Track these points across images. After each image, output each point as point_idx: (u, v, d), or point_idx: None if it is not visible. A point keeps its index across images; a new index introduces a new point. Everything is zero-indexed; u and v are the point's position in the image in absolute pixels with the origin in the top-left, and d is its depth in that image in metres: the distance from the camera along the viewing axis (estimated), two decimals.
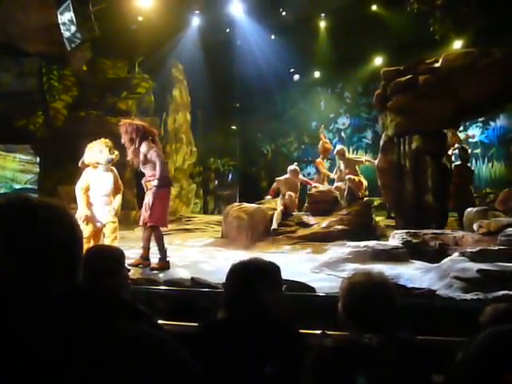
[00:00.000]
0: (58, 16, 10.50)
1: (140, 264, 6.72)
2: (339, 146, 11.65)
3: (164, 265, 6.73)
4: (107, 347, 0.97)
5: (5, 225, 1.06)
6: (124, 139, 6.84)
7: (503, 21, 9.61)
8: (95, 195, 6.89)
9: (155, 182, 6.60)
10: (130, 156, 6.88)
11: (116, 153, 7.09)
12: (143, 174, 7.02)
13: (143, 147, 6.71)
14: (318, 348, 2.01)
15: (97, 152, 6.97)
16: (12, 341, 0.95)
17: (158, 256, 6.81)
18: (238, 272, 2.13)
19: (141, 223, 6.87)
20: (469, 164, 11.83)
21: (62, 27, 10.55)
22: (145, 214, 6.69)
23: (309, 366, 1.95)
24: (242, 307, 2.02)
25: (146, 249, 6.86)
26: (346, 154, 11.19)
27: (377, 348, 1.85)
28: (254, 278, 2.09)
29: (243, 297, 2.04)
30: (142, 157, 6.74)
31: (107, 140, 7.09)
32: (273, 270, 2.19)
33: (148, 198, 6.69)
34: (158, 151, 6.74)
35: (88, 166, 7.04)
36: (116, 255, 2.72)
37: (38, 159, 14.63)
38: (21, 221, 1.07)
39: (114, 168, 7.15)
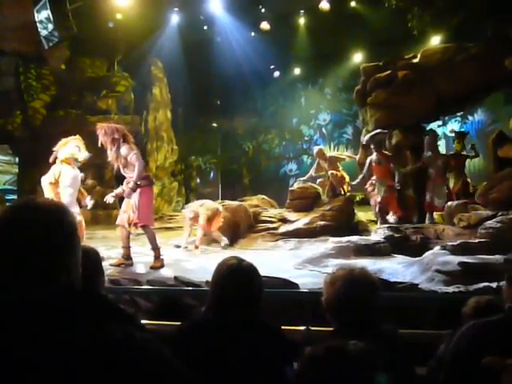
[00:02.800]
0: (35, 14, 10.34)
1: (122, 264, 6.69)
2: (318, 148, 11.44)
3: (161, 263, 6.74)
4: (93, 349, 0.96)
5: None
6: (103, 141, 6.68)
7: (480, 16, 9.70)
8: (66, 190, 6.90)
9: (130, 185, 6.55)
10: (110, 157, 6.74)
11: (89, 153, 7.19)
12: (124, 176, 6.95)
13: (123, 150, 6.60)
14: (305, 357, 2.01)
15: (74, 148, 7.01)
16: None
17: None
18: (231, 274, 2.10)
19: (126, 224, 6.71)
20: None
21: (38, 25, 10.38)
22: (132, 215, 6.63)
23: (296, 375, 1.95)
24: (236, 309, 2.01)
25: (127, 248, 6.84)
26: (327, 152, 11.16)
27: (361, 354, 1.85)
28: (251, 280, 2.09)
29: (239, 299, 2.03)
30: (122, 159, 6.65)
31: (80, 137, 7.15)
32: (258, 271, 2.17)
33: (133, 199, 6.62)
34: (137, 154, 6.67)
35: (56, 161, 7.05)
36: (93, 257, 2.32)
37: (16, 159, 14.44)
38: (5, 223, 1.07)
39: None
